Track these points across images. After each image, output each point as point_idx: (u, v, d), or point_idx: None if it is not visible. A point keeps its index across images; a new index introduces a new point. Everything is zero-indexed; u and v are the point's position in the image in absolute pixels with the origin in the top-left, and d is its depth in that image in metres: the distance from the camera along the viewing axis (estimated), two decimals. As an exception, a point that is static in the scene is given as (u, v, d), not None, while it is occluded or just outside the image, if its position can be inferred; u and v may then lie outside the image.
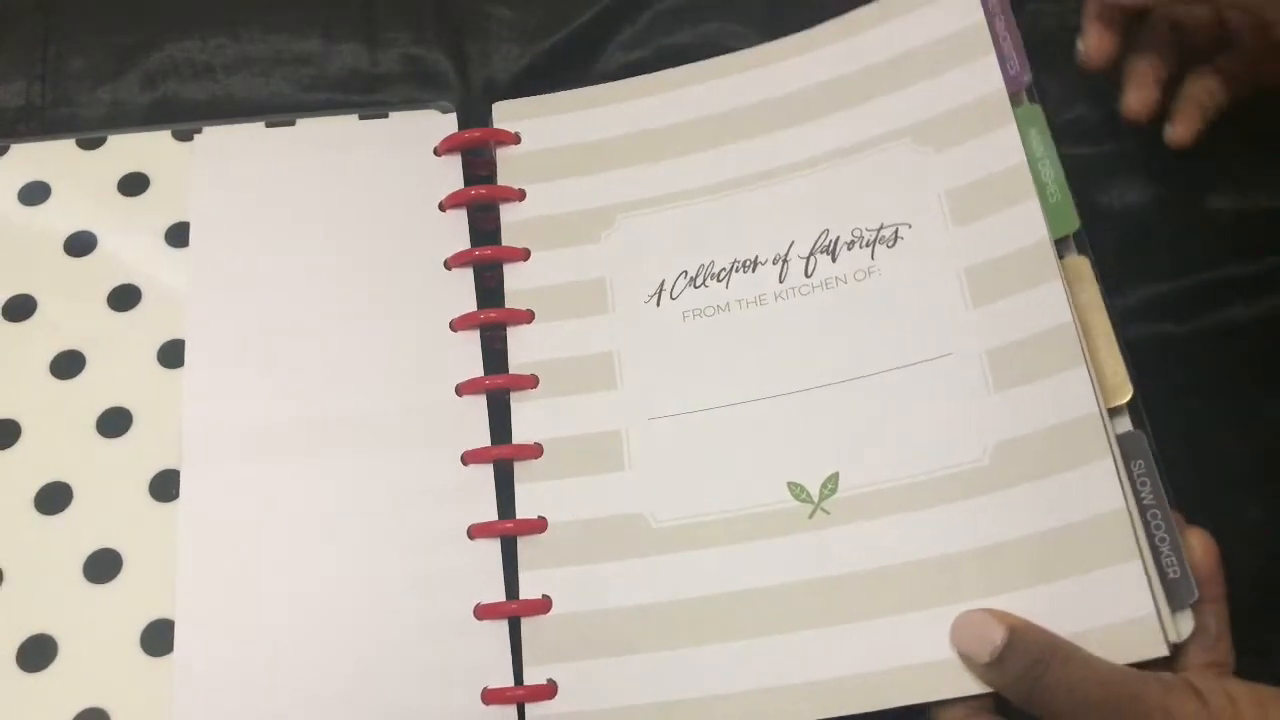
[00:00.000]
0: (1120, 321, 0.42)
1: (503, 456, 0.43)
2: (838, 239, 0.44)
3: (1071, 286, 0.41)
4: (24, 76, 0.52)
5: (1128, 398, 0.40)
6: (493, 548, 0.42)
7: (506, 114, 0.49)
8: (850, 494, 0.40)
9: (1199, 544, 0.38)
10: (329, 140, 0.49)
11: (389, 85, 0.53)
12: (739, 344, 0.43)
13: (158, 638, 0.40)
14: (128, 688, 0.39)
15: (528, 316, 0.45)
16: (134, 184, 0.48)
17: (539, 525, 0.42)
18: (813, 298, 0.43)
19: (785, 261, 0.44)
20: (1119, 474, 0.38)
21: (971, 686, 0.37)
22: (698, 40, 0.53)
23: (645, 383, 0.43)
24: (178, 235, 0.47)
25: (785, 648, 0.39)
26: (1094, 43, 0.46)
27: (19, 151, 0.48)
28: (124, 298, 0.45)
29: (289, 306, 0.45)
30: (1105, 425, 0.39)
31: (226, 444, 0.43)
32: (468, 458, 0.43)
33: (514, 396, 0.44)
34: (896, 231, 0.44)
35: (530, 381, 0.44)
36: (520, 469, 0.43)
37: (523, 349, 0.45)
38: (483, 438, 0.43)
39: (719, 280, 0.44)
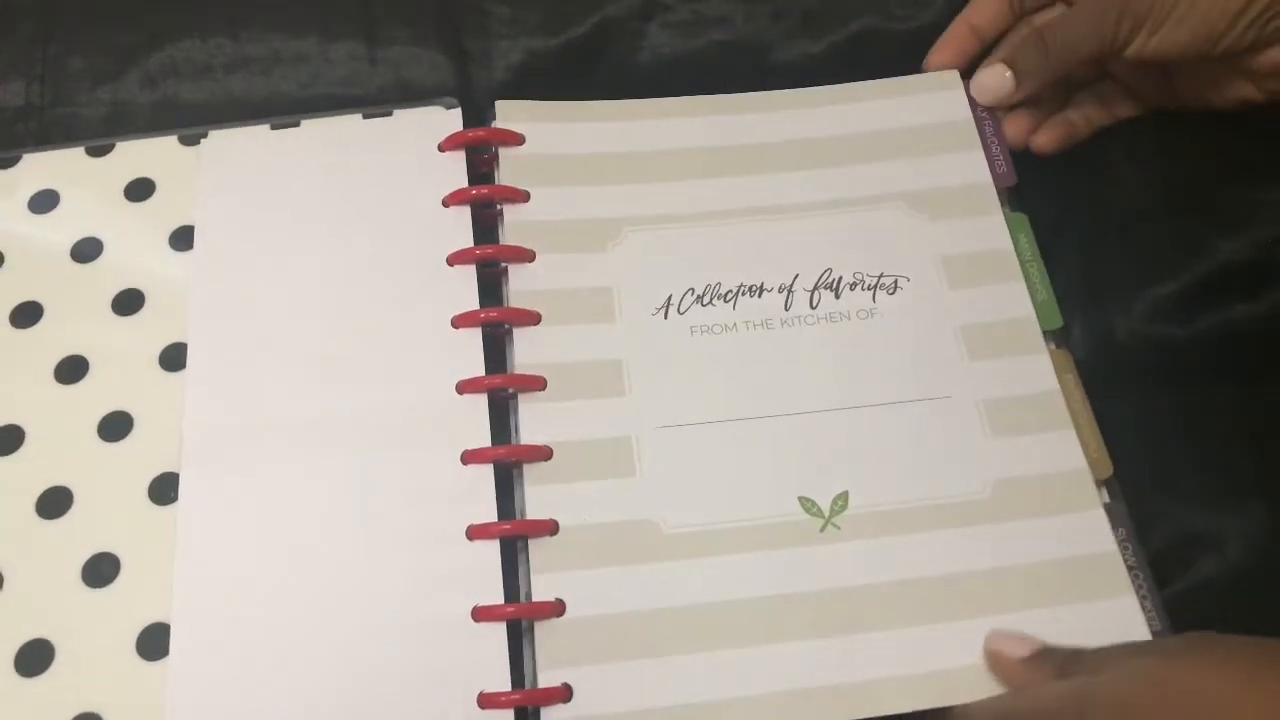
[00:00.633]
0: (1120, 321, 0.46)
1: (510, 457, 0.43)
2: (840, 278, 0.47)
3: (1056, 376, 0.45)
4: (24, 76, 0.52)
5: (1109, 474, 0.44)
6: (491, 549, 0.41)
7: (510, 113, 0.49)
8: (860, 512, 0.42)
9: None
10: (333, 141, 0.49)
11: (388, 84, 0.53)
12: (747, 362, 0.45)
13: (153, 642, 0.40)
14: (122, 692, 0.39)
15: (534, 317, 0.45)
16: (140, 189, 0.48)
17: (550, 527, 0.42)
18: (818, 328, 0.46)
19: (791, 292, 0.46)
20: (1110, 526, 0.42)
21: (970, 695, 0.39)
22: (695, 53, 0.54)
23: (654, 392, 0.44)
24: (182, 239, 0.47)
25: (800, 654, 0.40)
26: (936, 61, 0.52)
27: (30, 161, 0.49)
28: (128, 302, 0.46)
29: (290, 307, 0.45)
30: (1094, 483, 0.43)
31: (226, 447, 0.43)
32: (467, 457, 0.42)
33: (522, 397, 0.44)
34: (896, 281, 0.47)
35: (538, 383, 0.44)
36: (530, 471, 0.43)
37: (529, 350, 0.45)
38: (483, 437, 0.43)
39: (726, 301, 0.46)
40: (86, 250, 0.47)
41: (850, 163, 0.49)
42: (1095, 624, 0.40)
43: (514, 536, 0.42)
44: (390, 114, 0.49)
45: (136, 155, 0.49)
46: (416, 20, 0.54)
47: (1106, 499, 0.43)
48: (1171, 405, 0.46)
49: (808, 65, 0.54)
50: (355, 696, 0.39)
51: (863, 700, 0.39)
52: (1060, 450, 0.43)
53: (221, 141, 0.49)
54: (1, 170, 0.48)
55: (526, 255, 0.46)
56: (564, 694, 0.39)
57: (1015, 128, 0.51)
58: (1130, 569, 0.41)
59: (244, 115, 0.50)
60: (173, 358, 0.44)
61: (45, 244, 0.47)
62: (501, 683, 0.39)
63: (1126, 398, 0.46)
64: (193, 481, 0.42)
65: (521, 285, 0.46)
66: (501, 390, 0.44)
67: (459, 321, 0.45)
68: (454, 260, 0.46)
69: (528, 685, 0.40)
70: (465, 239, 0.46)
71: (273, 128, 0.49)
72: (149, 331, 0.45)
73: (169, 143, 0.49)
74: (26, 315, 0.45)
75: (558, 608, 0.40)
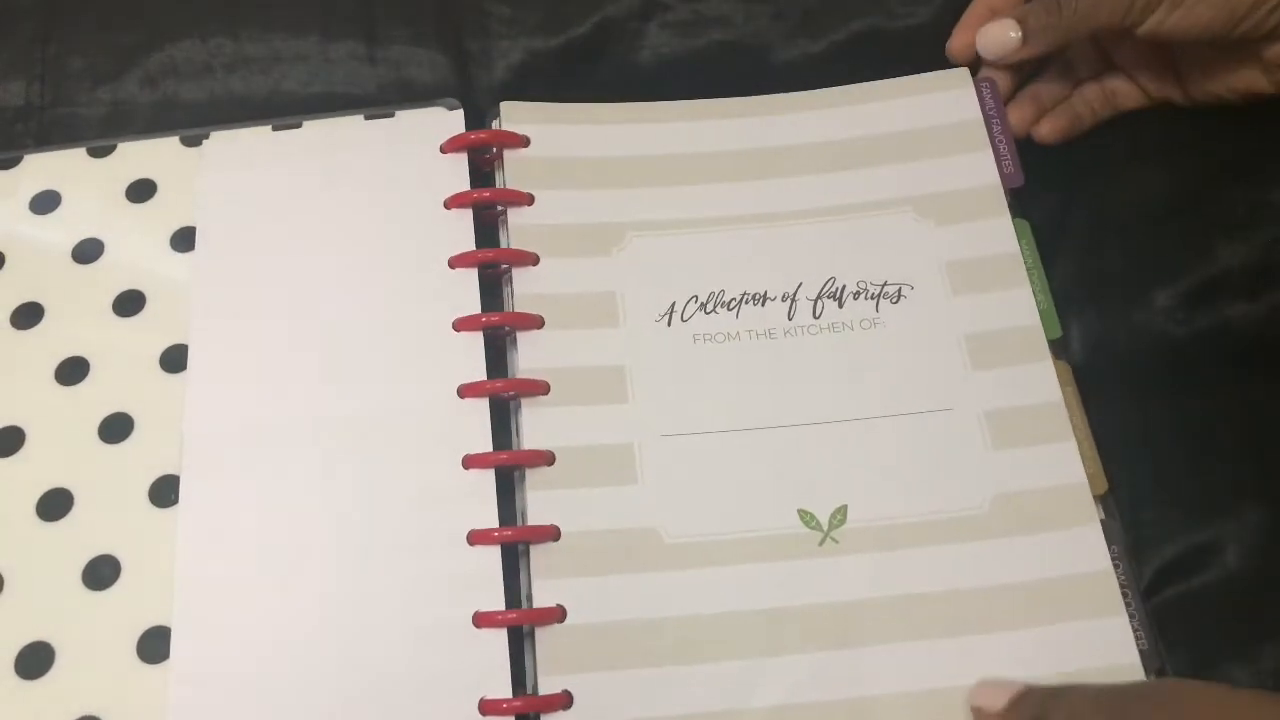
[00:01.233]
0: (1119, 323, 0.47)
1: (512, 462, 0.42)
2: (844, 287, 0.46)
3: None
4: (24, 76, 0.52)
5: (1104, 490, 0.43)
6: (492, 555, 0.41)
7: (514, 115, 0.49)
8: (858, 525, 0.42)
9: None
10: (335, 142, 0.49)
11: (388, 83, 0.52)
12: (749, 372, 0.45)
13: (153, 645, 0.40)
14: (123, 695, 0.39)
15: (538, 321, 0.45)
16: (142, 190, 0.48)
17: (552, 533, 0.41)
18: (820, 338, 0.45)
19: (794, 301, 0.46)
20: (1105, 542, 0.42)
21: (965, 712, 0.38)
22: (695, 53, 0.54)
23: (656, 400, 0.44)
24: (183, 240, 0.47)
25: (797, 668, 0.40)
26: (957, 43, 0.51)
27: (31, 162, 0.49)
28: (128, 303, 0.45)
29: (291, 309, 0.45)
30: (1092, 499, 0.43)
31: (226, 448, 0.42)
32: (469, 462, 0.42)
33: (525, 401, 0.43)
34: (900, 290, 0.46)
35: (542, 387, 0.44)
36: (532, 475, 0.42)
37: (533, 354, 0.44)
38: (484, 442, 0.43)
39: (729, 309, 0.46)
40: (88, 251, 0.47)
41: (858, 166, 0.48)
42: (1086, 643, 0.40)
43: (515, 542, 0.41)
44: (392, 115, 0.49)
45: (138, 156, 0.48)
46: (416, 20, 0.53)
47: (1102, 515, 0.43)
48: (1169, 407, 0.46)
49: (808, 65, 0.54)
50: (356, 702, 0.39)
51: (859, 716, 0.39)
52: (1060, 464, 0.43)
53: (223, 143, 0.49)
54: (3, 171, 0.48)
55: (530, 259, 0.46)
56: (565, 701, 0.39)
57: (1018, 115, 0.50)
58: (1121, 587, 0.41)
59: (244, 115, 0.50)
60: (174, 359, 0.44)
61: (46, 244, 0.47)
62: (502, 689, 0.39)
63: (1124, 400, 0.46)
64: (193, 484, 0.42)
65: (525, 289, 0.45)
66: (503, 394, 0.43)
67: (460, 325, 0.44)
68: (456, 263, 0.45)
69: (528, 692, 0.39)
70: (467, 241, 0.46)
71: (274, 129, 0.49)
72: (150, 333, 0.45)
73: (170, 144, 0.49)
74: (27, 316, 0.45)
75: (559, 614, 0.40)
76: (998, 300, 0.46)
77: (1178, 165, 0.50)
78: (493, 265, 0.46)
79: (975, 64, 0.50)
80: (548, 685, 0.39)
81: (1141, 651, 0.40)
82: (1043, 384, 0.44)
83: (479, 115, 0.50)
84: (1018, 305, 0.46)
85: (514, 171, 0.48)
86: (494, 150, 0.48)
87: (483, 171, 0.48)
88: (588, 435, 0.43)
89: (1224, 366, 0.47)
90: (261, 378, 0.44)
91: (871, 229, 0.47)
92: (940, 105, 0.50)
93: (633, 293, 0.46)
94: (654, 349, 0.45)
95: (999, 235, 0.47)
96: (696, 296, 0.46)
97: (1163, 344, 0.47)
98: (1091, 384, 0.45)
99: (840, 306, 0.46)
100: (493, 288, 0.46)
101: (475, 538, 0.41)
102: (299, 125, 0.49)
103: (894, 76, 0.51)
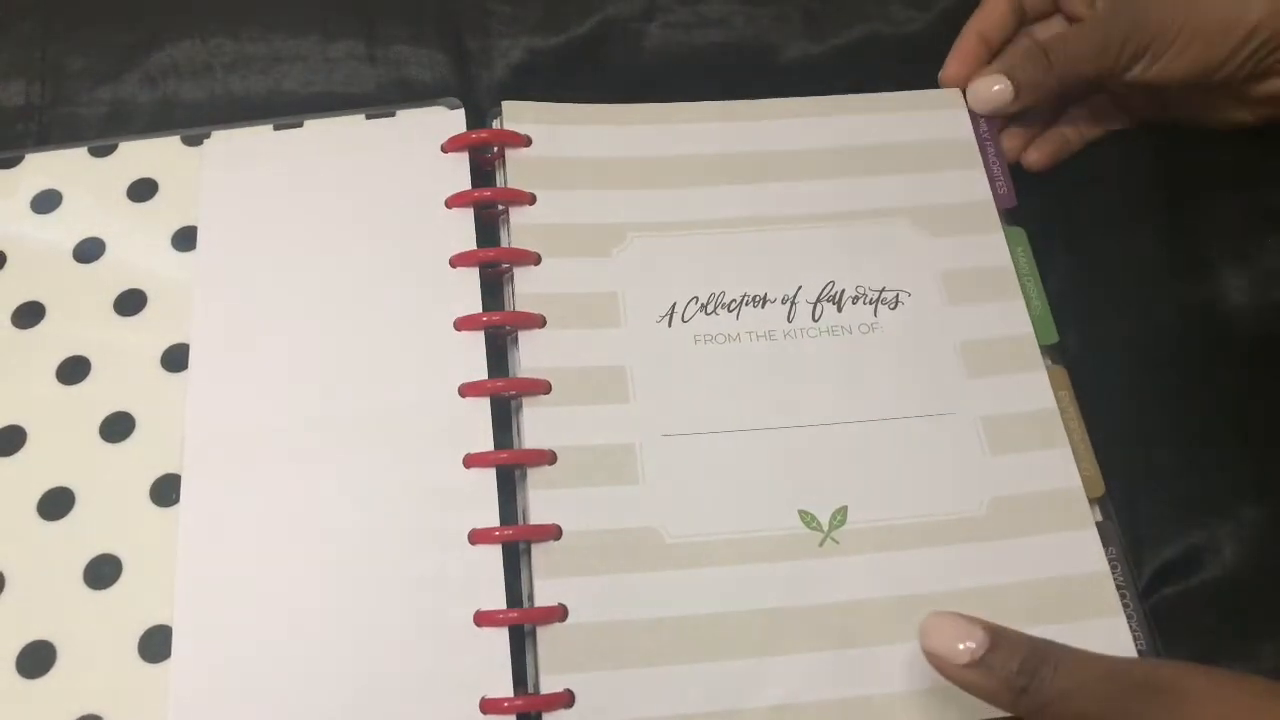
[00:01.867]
0: (1116, 325, 0.47)
1: (513, 461, 0.43)
2: (843, 291, 0.47)
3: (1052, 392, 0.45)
4: (24, 76, 0.52)
5: (1101, 493, 0.44)
6: (494, 554, 0.41)
7: (517, 114, 0.49)
8: (858, 526, 0.42)
9: None
10: (336, 141, 0.49)
11: (388, 83, 0.52)
12: (750, 374, 0.45)
13: (155, 644, 0.40)
14: (124, 694, 0.39)
15: (539, 321, 0.45)
16: (143, 190, 0.48)
17: (553, 532, 0.41)
18: (820, 341, 0.46)
19: (793, 304, 0.46)
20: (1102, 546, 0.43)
21: (978, 712, 0.37)
22: (696, 53, 0.54)
23: (657, 400, 0.44)
24: (185, 240, 0.47)
25: (798, 668, 0.40)
26: (951, 74, 0.51)
27: (32, 161, 0.49)
28: (130, 303, 0.45)
29: (292, 308, 0.45)
30: (1088, 502, 0.43)
31: (227, 448, 0.42)
32: (470, 461, 0.42)
33: (526, 401, 0.44)
34: (898, 296, 0.47)
35: (543, 386, 0.44)
36: (533, 475, 0.42)
37: (534, 353, 0.44)
38: (485, 441, 0.43)
39: (729, 310, 0.46)
40: (89, 250, 0.47)
41: (855, 175, 0.49)
42: (1084, 643, 0.39)
43: (516, 541, 0.41)
44: (393, 114, 0.49)
45: (139, 155, 0.48)
46: (417, 19, 0.53)
47: (1099, 517, 0.43)
48: (1167, 409, 0.46)
49: (809, 67, 0.54)
50: (357, 701, 0.39)
51: (859, 716, 0.39)
52: (1056, 468, 0.44)
53: (224, 142, 0.49)
54: (4, 170, 0.48)
55: (531, 258, 0.46)
56: (566, 700, 0.39)
57: (1008, 144, 0.51)
58: (1119, 588, 0.42)
59: (244, 115, 0.50)
60: (175, 358, 0.44)
61: (47, 244, 0.47)
62: (504, 688, 0.39)
63: (1122, 401, 0.46)
64: (194, 483, 0.42)
65: (526, 288, 0.45)
66: (504, 394, 0.44)
67: (462, 324, 0.44)
68: (457, 262, 0.46)
69: (530, 691, 0.40)
70: (468, 241, 0.46)
71: (275, 128, 0.49)
72: (151, 332, 0.45)
73: (172, 143, 0.49)
74: (28, 315, 0.45)
75: (560, 613, 0.40)
76: (991, 311, 0.47)
77: (1174, 168, 0.50)
78: (494, 265, 0.46)
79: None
80: (549, 684, 0.39)
81: (1140, 651, 0.41)
82: (1037, 393, 0.45)
83: (480, 115, 0.50)
84: (1011, 316, 0.47)
85: (515, 171, 0.48)
86: (495, 150, 0.48)
87: (484, 171, 0.48)
88: (589, 435, 0.43)
89: (1221, 368, 0.47)
90: (262, 377, 0.44)
91: (869, 236, 0.48)
92: (935, 123, 0.51)
93: (634, 293, 0.46)
94: (655, 349, 0.45)
95: (992, 250, 0.48)
96: (697, 297, 0.46)
97: (1160, 345, 0.47)
98: (1089, 386, 0.46)
99: (839, 310, 0.46)
100: (494, 287, 0.46)
101: (476, 537, 0.41)
102: (300, 125, 0.49)
103: (894, 80, 0.51)
